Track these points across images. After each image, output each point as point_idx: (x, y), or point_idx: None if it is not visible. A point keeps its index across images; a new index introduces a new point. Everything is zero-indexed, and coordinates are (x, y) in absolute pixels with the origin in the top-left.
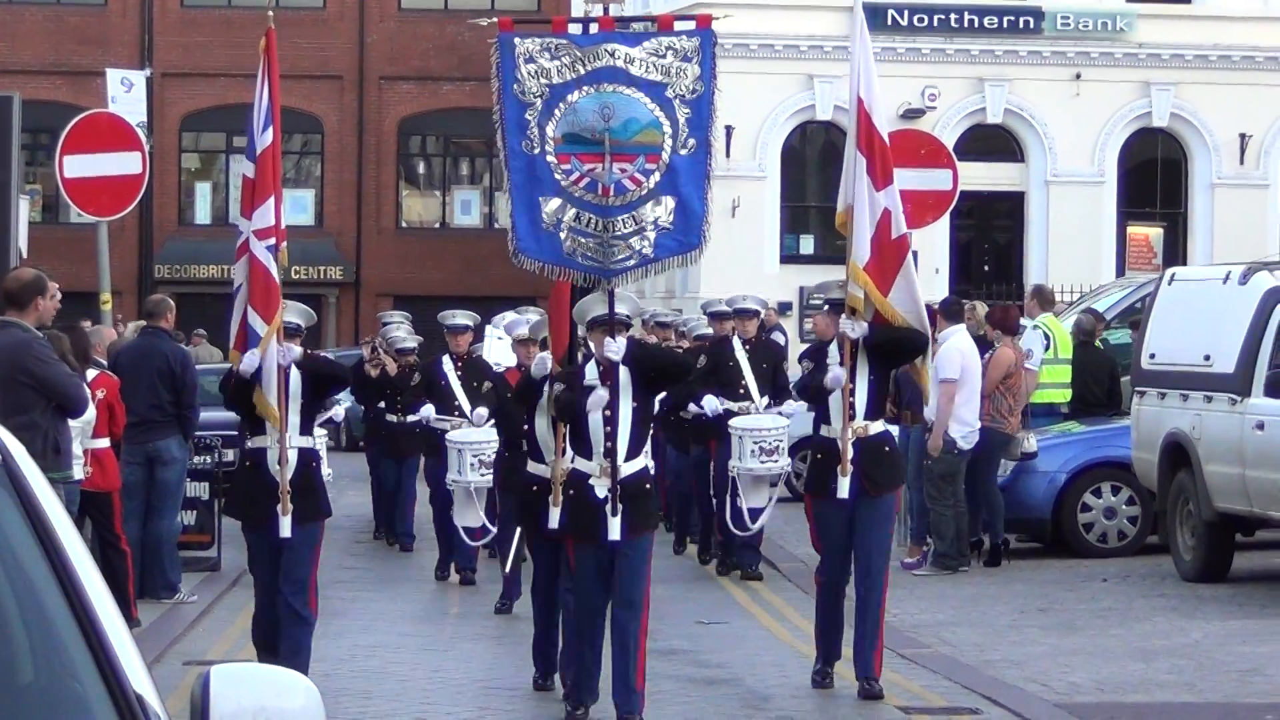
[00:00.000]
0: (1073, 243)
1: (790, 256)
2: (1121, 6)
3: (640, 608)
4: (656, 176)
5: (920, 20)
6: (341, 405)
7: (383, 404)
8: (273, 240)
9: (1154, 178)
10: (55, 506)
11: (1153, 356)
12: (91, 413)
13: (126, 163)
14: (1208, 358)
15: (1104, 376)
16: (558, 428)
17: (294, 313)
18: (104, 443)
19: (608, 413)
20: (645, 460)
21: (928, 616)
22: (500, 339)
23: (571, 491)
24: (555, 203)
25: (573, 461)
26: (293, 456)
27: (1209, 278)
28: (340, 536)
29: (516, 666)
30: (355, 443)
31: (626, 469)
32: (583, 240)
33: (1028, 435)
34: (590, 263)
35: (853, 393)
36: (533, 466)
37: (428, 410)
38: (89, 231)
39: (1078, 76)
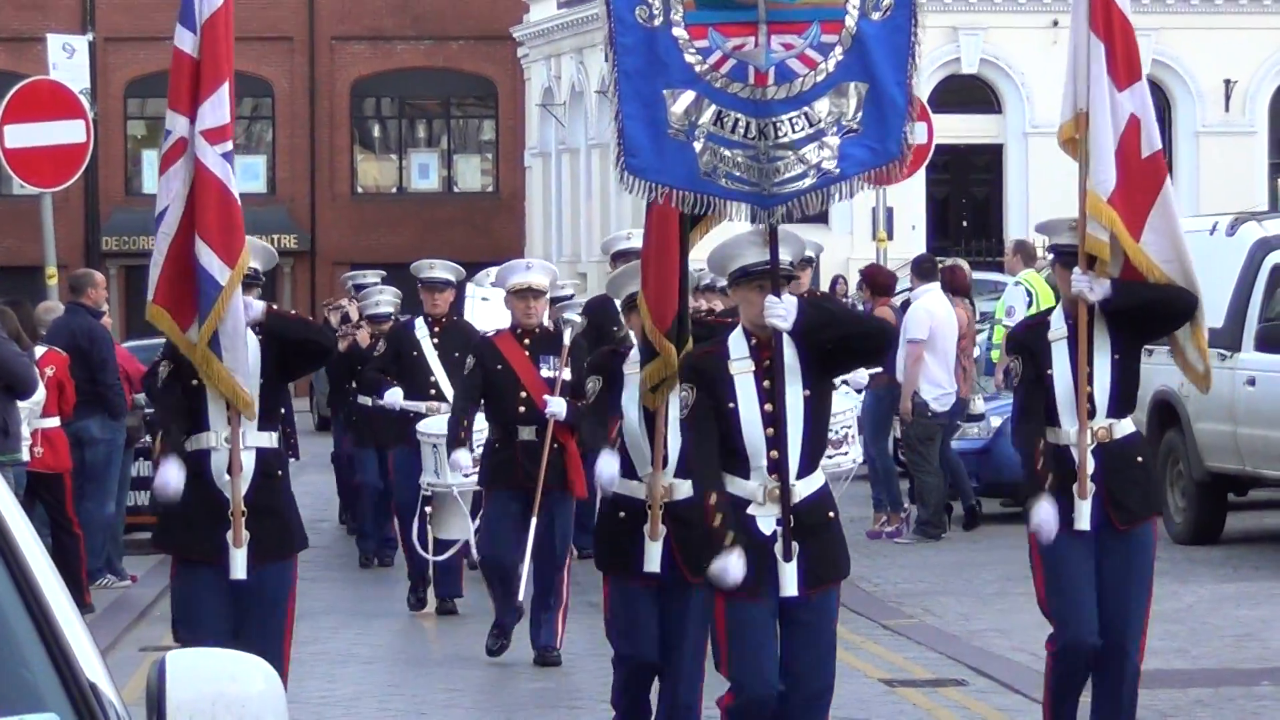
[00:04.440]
0: (1053, 196)
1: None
2: None
3: (830, 694)
4: (838, 54)
5: None
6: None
7: (354, 383)
8: (229, 144)
9: None
10: (4, 493)
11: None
12: (41, 392)
13: (70, 131)
14: None
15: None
16: (656, 426)
17: (253, 253)
18: (54, 422)
19: (769, 408)
20: (822, 479)
21: (910, 586)
22: (485, 300)
23: (732, 512)
24: (687, 97)
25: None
26: (248, 462)
27: (1195, 229)
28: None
29: None
30: (325, 423)
31: (801, 489)
32: (728, 153)
33: (975, 397)
34: (740, 186)
35: (1091, 380)
36: (620, 485)
37: (394, 396)
38: (32, 203)
39: (1055, 24)
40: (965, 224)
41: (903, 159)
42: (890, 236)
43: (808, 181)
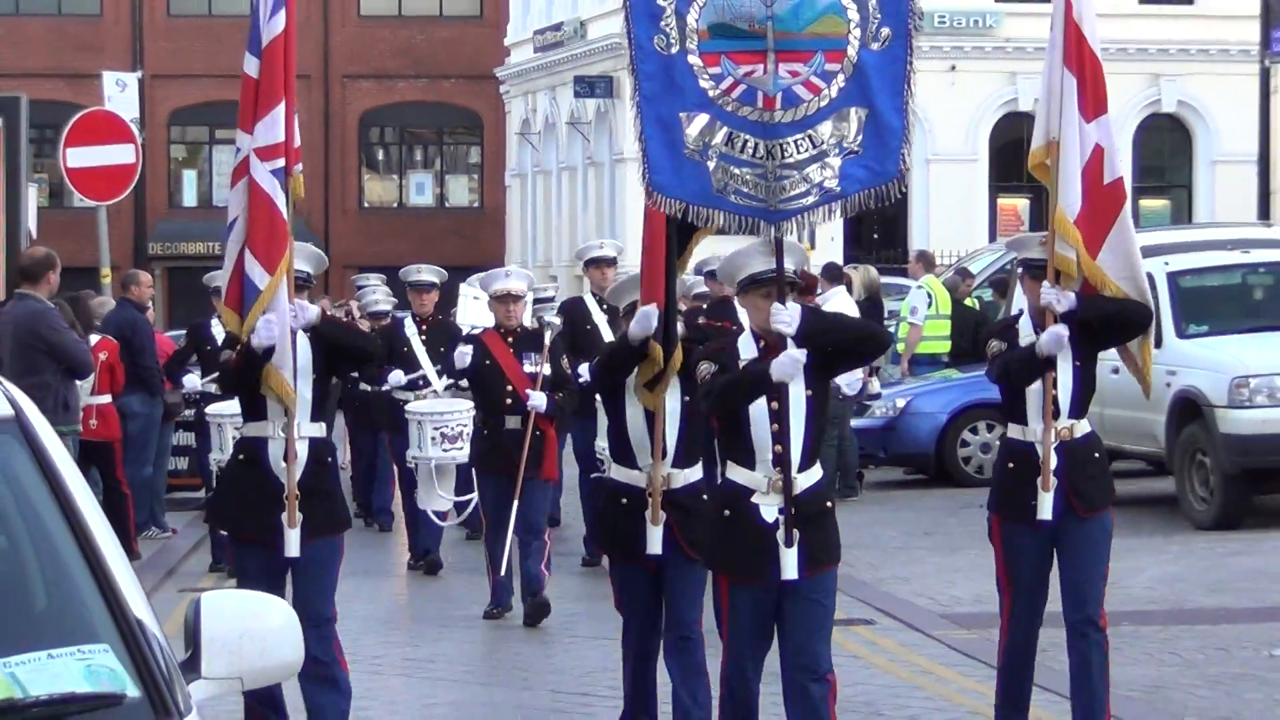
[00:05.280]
0: (950, 213)
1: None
2: (990, 6)
3: (828, 668)
4: (840, 81)
5: None
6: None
7: (356, 373)
8: (280, 162)
9: (1020, 156)
10: (64, 456)
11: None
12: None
13: (121, 154)
14: None
15: (970, 330)
16: (655, 420)
17: (302, 258)
18: (106, 399)
19: (775, 405)
20: (820, 471)
21: None
22: (476, 299)
23: (728, 513)
24: (701, 120)
25: (725, 471)
26: (302, 451)
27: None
28: None
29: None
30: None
31: (802, 481)
32: (738, 171)
33: (873, 380)
34: (749, 202)
35: (1054, 384)
36: (619, 472)
37: (397, 376)
38: (89, 214)
39: (953, 68)
40: (876, 236)
41: (900, 178)
42: (813, 246)
43: (811, 199)
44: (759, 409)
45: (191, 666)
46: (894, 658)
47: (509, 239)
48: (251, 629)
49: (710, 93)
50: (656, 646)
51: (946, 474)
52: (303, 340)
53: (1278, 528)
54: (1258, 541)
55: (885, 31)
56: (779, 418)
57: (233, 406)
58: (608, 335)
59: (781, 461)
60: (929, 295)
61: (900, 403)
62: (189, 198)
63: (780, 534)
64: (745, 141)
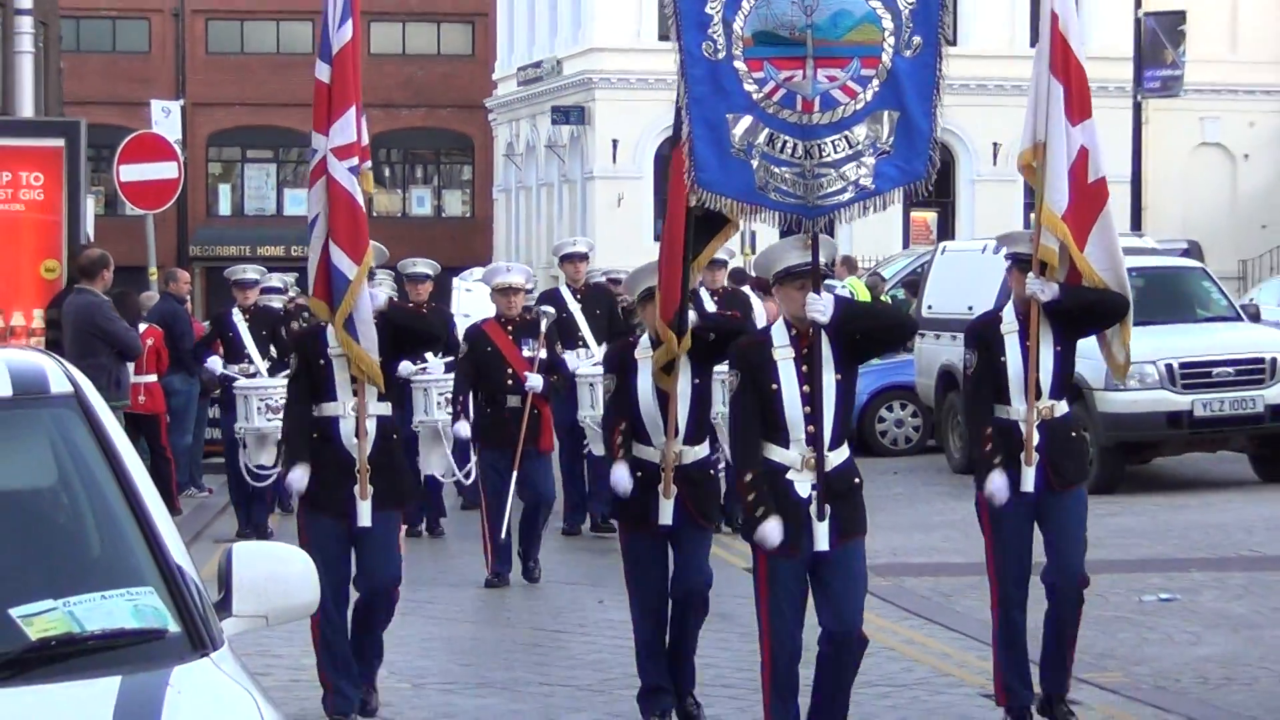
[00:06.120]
0: (871, 225)
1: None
2: None
3: (861, 635)
4: (875, 86)
5: None
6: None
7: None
8: (355, 160)
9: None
10: (115, 427)
11: (930, 307)
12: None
13: (166, 170)
14: (970, 308)
15: None
16: (669, 402)
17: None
18: (152, 378)
19: (807, 389)
20: (848, 450)
21: None
22: (468, 290)
23: (765, 487)
24: (745, 121)
25: (754, 450)
26: (371, 427)
27: (971, 249)
28: None
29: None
30: None
31: (833, 459)
32: (778, 170)
33: None
34: (787, 199)
35: (1037, 366)
36: (637, 450)
37: (407, 367)
38: (139, 221)
39: None
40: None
41: (928, 177)
42: (754, 251)
43: (848, 195)
44: (792, 393)
45: (224, 606)
46: None
47: (496, 243)
48: (276, 573)
49: (754, 95)
50: (665, 614)
51: (866, 445)
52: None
53: (1146, 492)
54: (1129, 504)
55: (917, 40)
56: (811, 400)
57: (256, 382)
58: (582, 322)
59: (814, 441)
60: (850, 293)
61: None
62: (224, 208)
63: (813, 508)
64: (785, 142)
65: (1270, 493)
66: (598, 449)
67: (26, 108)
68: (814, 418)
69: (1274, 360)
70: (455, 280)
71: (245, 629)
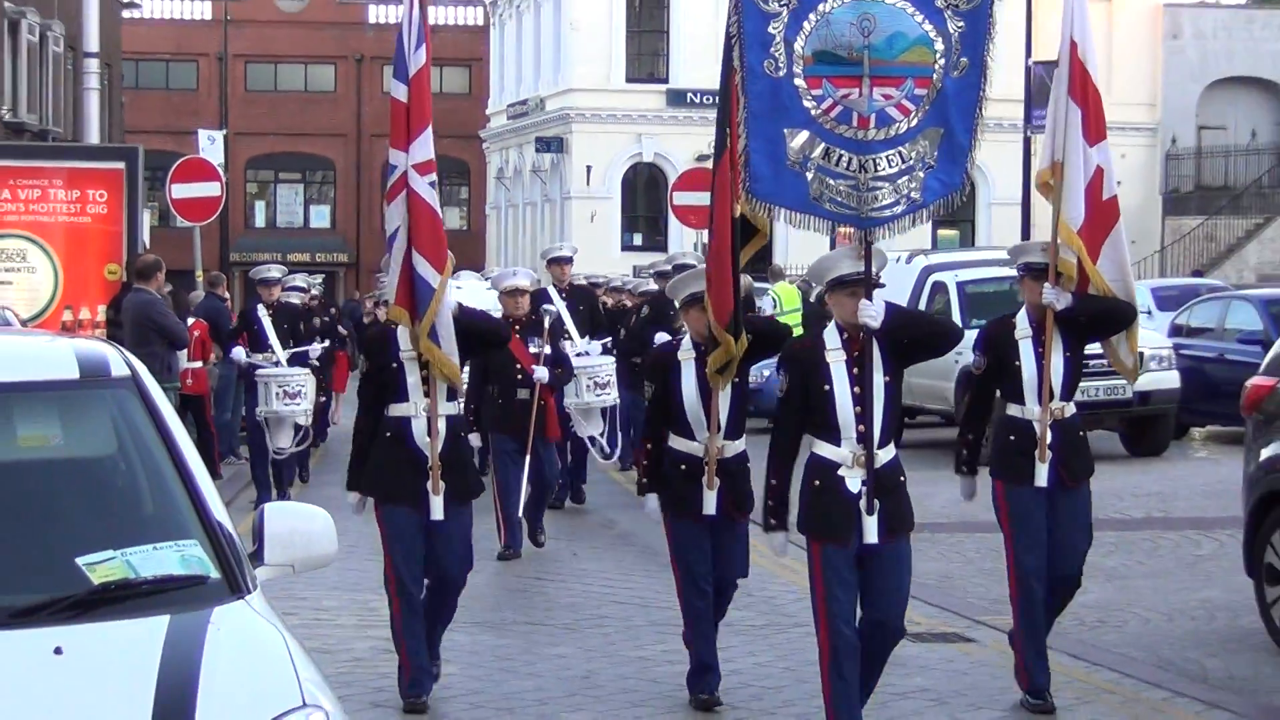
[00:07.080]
0: (806, 238)
1: (626, 247)
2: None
3: (900, 627)
4: (926, 105)
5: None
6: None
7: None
8: (434, 176)
9: None
10: (167, 406)
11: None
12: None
13: (211, 189)
14: None
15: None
16: (710, 398)
17: None
18: (198, 364)
19: (858, 390)
20: (895, 449)
21: None
22: (459, 288)
23: (818, 483)
24: (802, 136)
25: (813, 447)
26: (441, 427)
27: (888, 259)
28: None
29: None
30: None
31: (882, 456)
32: (832, 183)
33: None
34: (841, 210)
35: (1050, 369)
36: (678, 443)
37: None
38: (187, 232)
39: None
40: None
41: (963, 189)
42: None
43: (900, 208)
44: (844, 393)
45: (257, 556)
46: (788, 567)
47: (488, 253)
48: (300, 529)
49: (812, 112)
50: (710, 596)
51: None
52: None
53: None
54: None
55: (964, 61)
56: (862, 401)
57: (275, 370)
58: (567, 318)
59: (865, 439)
60: (774, 298)
61: (765, 373)
62: (259, 221)
63: (863, 503)
64: (841, 156)
65: (1137, 465)
66: (581, 431)
67: (93, 135)
68: (864, 417)
69: (1141, 354)
70: (450, 283)
71: (275, 576)
